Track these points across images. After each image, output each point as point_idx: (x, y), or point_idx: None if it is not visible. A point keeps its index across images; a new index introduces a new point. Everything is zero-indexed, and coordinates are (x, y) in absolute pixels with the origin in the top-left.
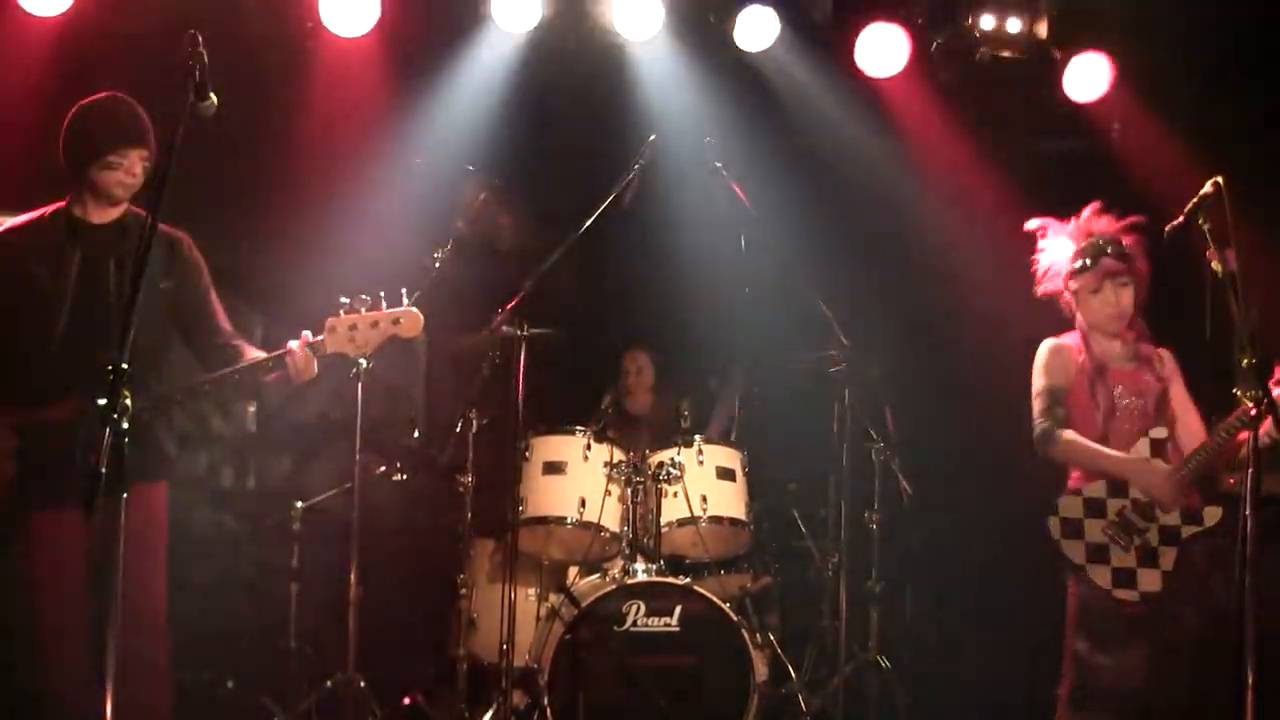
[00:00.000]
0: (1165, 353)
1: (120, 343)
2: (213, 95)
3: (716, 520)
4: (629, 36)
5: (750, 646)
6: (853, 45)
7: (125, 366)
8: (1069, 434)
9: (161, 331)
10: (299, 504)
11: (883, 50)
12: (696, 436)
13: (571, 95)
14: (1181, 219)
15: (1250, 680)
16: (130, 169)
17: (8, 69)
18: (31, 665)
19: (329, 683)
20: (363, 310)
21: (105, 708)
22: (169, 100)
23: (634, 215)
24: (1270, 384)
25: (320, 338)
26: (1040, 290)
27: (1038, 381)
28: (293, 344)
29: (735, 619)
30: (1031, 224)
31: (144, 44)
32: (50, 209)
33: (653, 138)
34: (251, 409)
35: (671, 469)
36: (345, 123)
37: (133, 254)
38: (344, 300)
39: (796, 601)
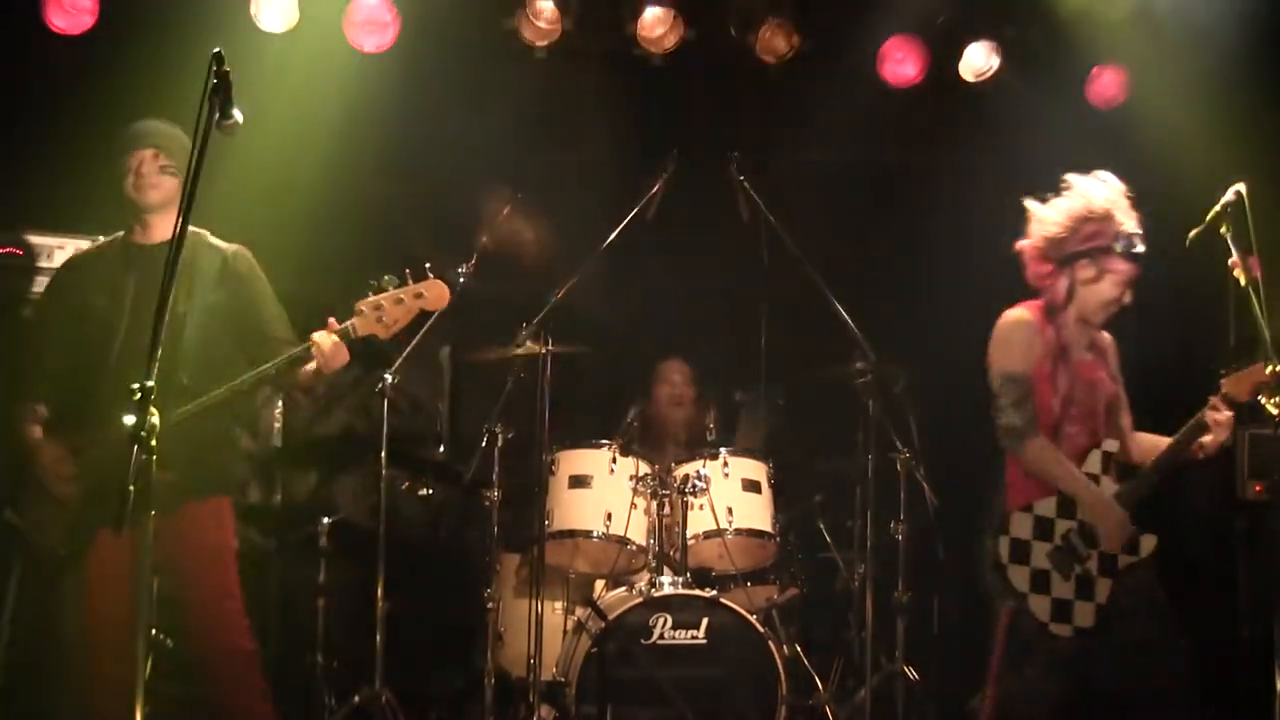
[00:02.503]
0: (1110, 339)
1: (148, 361)
2: (236, 112)
3: (742, 532)
4: (651, 50)
5: (777, 658)
6: (873, 56)
7: (151, 385)
8: (1043, 440)
9: (223, 343)
10: (325, 519)
11: (903, 61)
12: (722, 449)
13: (594, 109)
14: (1203, 226)
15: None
16: None
17: (36, 86)
18: (80, 680)
19: (356, 697)
20: (389, 289)
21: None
22: (193, 116)
23: (657, 229)
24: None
25: (350, 322)
26: (1026, 244)
27: (1004, 364)
28: (316, 336)
29: (762, 631)
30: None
31: (167, 61)
32: (110, 238)
33: (675, 151)
34: (278, 425)
35: (697, 481)
36: (367, 138)
37: (184, 273)
38: (371, 282)
39: (823, 613)
